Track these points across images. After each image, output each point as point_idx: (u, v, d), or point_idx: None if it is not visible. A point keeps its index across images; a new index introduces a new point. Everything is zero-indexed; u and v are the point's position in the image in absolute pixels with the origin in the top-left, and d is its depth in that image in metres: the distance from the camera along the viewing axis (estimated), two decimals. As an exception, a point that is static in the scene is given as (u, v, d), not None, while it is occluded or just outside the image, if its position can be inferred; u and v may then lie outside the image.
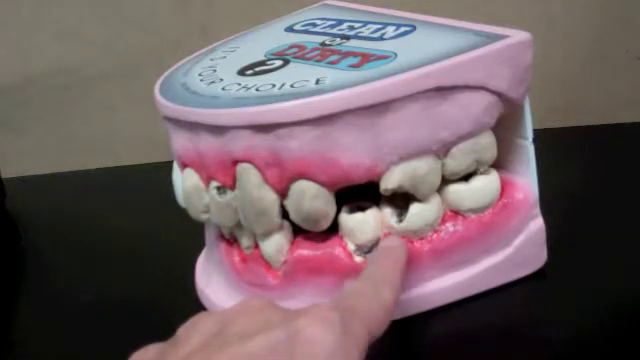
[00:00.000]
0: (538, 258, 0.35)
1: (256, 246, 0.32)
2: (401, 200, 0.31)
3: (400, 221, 0.31)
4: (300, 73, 0.31)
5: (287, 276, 0.32)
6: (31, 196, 0.54)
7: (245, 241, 0.33)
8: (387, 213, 0.32)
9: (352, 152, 0.29)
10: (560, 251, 0.35)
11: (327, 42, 0.35)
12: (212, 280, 0.35)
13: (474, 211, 0.32)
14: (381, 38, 0.34)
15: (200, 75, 0.34)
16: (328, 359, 0.21)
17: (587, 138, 0.52)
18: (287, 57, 0.33)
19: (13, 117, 0.70)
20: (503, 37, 0.31)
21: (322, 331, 0.22)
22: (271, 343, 0.22)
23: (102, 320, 0.36)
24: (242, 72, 0.33)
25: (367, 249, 0.31)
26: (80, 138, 0.71)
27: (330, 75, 0.30)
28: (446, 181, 0.32)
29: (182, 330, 0.24)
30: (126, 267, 0.41)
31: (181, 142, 0.32)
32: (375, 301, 0.25)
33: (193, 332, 0.23)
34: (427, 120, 0.30)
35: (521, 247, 0.34)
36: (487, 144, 0.32)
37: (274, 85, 0.30)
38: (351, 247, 0.31)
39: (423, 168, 0.30)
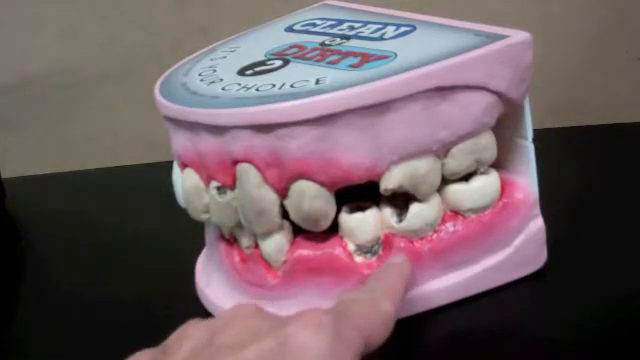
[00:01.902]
0: (538, 258, 0.35)
1: (256, 246, 0.32)
2: (401, 200, 0.31)
3: (400, 221, 0.31)
4: (300, 73, 0.31)
5: (287, 276, 0.32)
6: (31, 196, 0.54)
7: (245, 241, 0.33)
8: (387, 213, 0.32)
9: (352, 152, 0.29)
10: (560, 251, 0.35)
11: (327, 42, 0.35)
12: (212, 280, 0.35)
13: (474, 211, 0.32)
14: (381, 38, 0.34)
15: (200, 75, 0.34)
16: None
17: (587, 138, 0.52)
18: (287, 57, 0.33)
19: (13, 117, 0.70)
20: (503, 37, 0.31)
21: (313, 336, 0.22)
22: (262, 353, 0.21)
23: (102, 320, 0.36)
24: (242, 72, 0.33)
25: (367, 249, 0.31)
26: (80, 138, 0.71)
27: (330, 75, 0.30)
28: (446, 181, 0.32)
29: (173, 338, 0.24)
30: (126, 267, 0.41)
31: (181, 142, 0.32)
32: (372, 309, 0.25)
33: (184, 341, 0.23)
34: (427, 120, 0.30)
35: (521, 247, 0.34)
36: (487, 144, 0.32)
37: (274, 85, 0.30)
38: (351, 247, 0.31)
39: (423, 168, 0.30)
